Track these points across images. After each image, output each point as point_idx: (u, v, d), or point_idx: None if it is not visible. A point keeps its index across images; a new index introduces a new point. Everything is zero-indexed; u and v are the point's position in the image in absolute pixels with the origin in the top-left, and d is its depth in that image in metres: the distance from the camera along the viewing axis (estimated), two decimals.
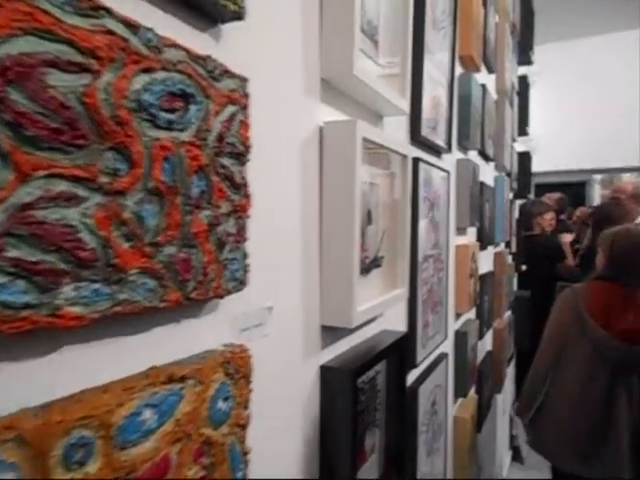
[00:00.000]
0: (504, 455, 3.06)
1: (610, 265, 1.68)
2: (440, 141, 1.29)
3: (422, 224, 1.13)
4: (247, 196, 0.49)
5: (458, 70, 1.59)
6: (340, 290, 0.69)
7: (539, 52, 4.46)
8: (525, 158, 3.31)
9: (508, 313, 2.83)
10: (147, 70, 0.37)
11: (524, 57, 3.26)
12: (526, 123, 3.33)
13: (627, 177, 5.07)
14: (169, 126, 0.39)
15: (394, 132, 1.02)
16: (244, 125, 0.48)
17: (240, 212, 0.48)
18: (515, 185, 3.07)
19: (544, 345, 1.78)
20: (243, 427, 0.49)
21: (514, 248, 3.02)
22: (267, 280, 0.59)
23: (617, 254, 1.65)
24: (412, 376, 1.14)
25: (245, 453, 0.50)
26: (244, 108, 0.49)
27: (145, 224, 0.37)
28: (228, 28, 0.51)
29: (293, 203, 0.64)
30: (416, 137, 1.11)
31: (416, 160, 1.09)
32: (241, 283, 0.49)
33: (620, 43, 5.15)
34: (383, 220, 0.90)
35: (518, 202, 3.55)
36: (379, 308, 0.81)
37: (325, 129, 0.70)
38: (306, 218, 0.67)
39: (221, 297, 0.47)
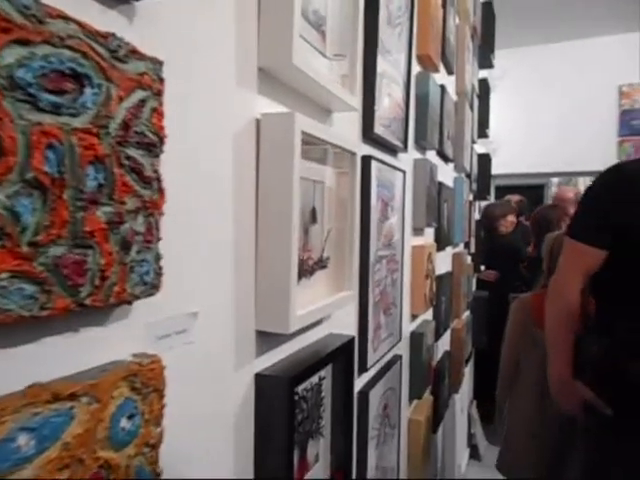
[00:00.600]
0: (463, 453, 3.10)
1: (551, 272, 1.49)
2: (395, 140, 1.27)
3: (374, 224, 1.10)
4: (160, 191, 0.44)
5: (416, 69, 1.58)
6: (276, 293, 0.65)
7: (501, 57, 4.54)
8: (485, 160, 3.35)
9: (467, 313, 2.86)
10: (22, 42, 0.32)
11: (485, 60, 3.30)
12: (486, 125, 3.37)
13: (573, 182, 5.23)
14: (56, 110, 0.34)
15: (345, 129, 0.98)
16: (157, 113, 0.44)
17: (151, 209, 0.43)
18: (475, 186, 3.10)
19: (503, 355, 1.79)
20: (153, 446, 0.44)
21: (473, 249, 3.05)
22: (191, 283, 0.54)
23: (557, 259, 1.42)
24: (363, 380, 1.12)
25: (157, 474, 0.45)
26: (158, 94, 0.44)
27: (21, 221, 0.32)
28: (145, 5, 0.46)
29: (224, 200, 0.59)
30: (369, 135, 1.08)
31: (368, 158, 1.06)
32: (153, 287, 0.44)
33: (575, 52, 5.30)
34: (330, 219, 0.86)
35: (478, 203, 3.60)
36: (323, 311, 0.78)
37: (262, 122, 0.65)
38: (240, 216, 0.63)
39: (128, 303, 0.42)
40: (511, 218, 3.47)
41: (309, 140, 0.74)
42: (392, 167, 1.24)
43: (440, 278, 1.97)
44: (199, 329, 0.55)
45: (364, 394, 1.09)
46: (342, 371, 0.89)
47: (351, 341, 0.90)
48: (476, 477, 2.97)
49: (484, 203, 3.77)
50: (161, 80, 0.44)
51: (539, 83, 5.45)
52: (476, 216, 3.36)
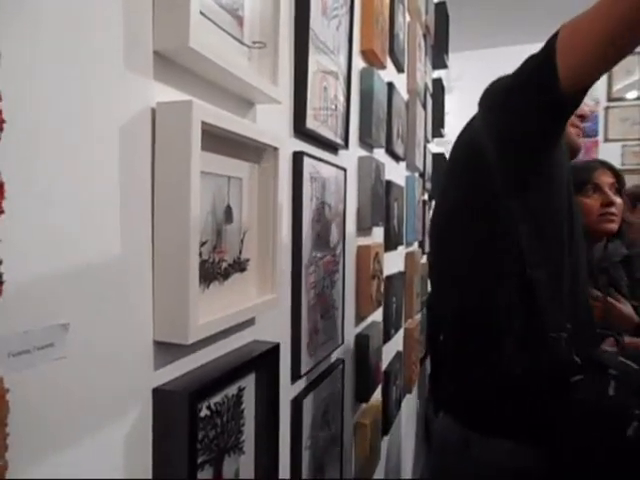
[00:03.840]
0: (420, 452, 3.10)
1: None
2: (334, 136, 1.22)
3: (307, 224, 1.05)
4: None
5: (360, 65, 1.54)
6: (174, 300, 0.59)
7: (458, 59, 4.59)
8: (440, 159, 3.36)
9: (422, 312, 2.85)
10: None
11: (439, 61, 3.31)
12: (441, 125, 3.38)
13: None
14: None
15: (273, 123, 0.93)
16: None
17: None
18: (429, 185, 3.11)
19: None
20: None
21: (427, 248, 3.05)
22: (59, 291, 0.47)
23: None
24: (297, 388, 1.06)
25: None
26: None
27: None
28: None
29: (107, 198, 0.53)
30: (300, 129, 1.03)
31: (300, 154, 1.01)
32: None
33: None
34: (251, 219, 0.81)
35: (434, 202, 3.61)
36: (236, 318, 0.72)
37: (158, 111, 0.59)
38: (130, 216, 0.56)
39: None
40: None
41: (221, 133, 0.68)
42: (330, 164, 1.20)
43: (390, 278, 1.95)
44: (73, 342, 0.49)
45: (298, 402, 1.04)
46: (266, 380, 0.83)
47: (275, 348, 0.84)
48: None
49: None
50: None
51: None
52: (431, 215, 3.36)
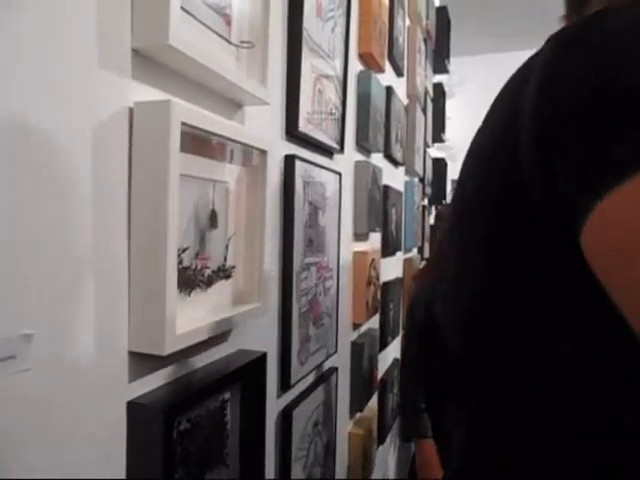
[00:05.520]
0: None
1: None
2: (328, 139, 1.20)
3: (299, 229, 1.03)
4: None
5: (357, 68, 1.52)
6: (150, 309, 0.56)
7: (460, 64, 4.57)
8: (440, 164, 3.34)
9: None
10: None
11: (440, 65, 3.29)
12: (442, 130, 3.36)
13: None
14: None
15: (263, 125, 0.90)
16: None
17: None
18: (429, 190, 3.08)
19: None
20: None
21: (427, 254, 3.03)
22: (23, 299, 0.45)
23: None
24: (287, 398, 1.03)
25: None
26: None
27: None
28: None
29: (79, 201, 0.50)
30: (292, 132, 1.00)
31: (291, 158, 0.99)
32: None
33: None
34: (238, 224, 0.78)
35: (434, 208, 3.59)
36: (220, 327, 0.69)
37: (136, 111, 0.57)
38: (105, 220, 0.54)
39: None
40: None
41: (204, 135, 0.66)
42: (324, 168, 1.17)
43: (387, 285, 1.92)
44: (39, 353, 0.46)
45: (287, 413, 1.01)
46: (252, 391, 0.80)
47: (262, 357, 0.81)
48: None
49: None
50: None
51: (498, 89, 5.52)
52: (431, 220, 3.34)
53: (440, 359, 1.15)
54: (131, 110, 0.56)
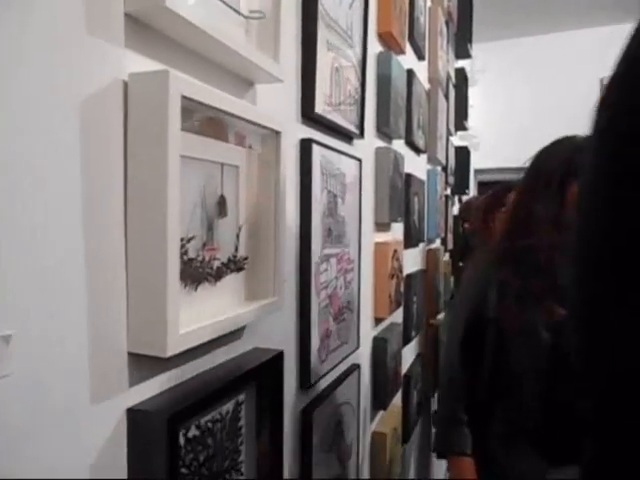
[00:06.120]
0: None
1: None
2: (347, 123, 1.12)
3: (317, 218, 0.96)
4: None
5: (377, 48, 1.44)
6: (151, 306, 0.50)
7: (482, 50, 4.42)
8: (463, 153, 3.23)
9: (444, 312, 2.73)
10: None
11: (462, 50, 3.17)
12: (464, 117, 3.25)
13: None
14: None
15: (278, 106, 0.84)
16: None
17: None
18: (452, 180, 2.98)
19: None
20: None
21: (451, 245, 2.93)
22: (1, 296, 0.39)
23: None
24: (307, 397, 0.97)
25: None
26: None
27: None
28: None
29: (68, 186, 0.45)
30: (308, 114, 0.93)
31: (308, 141, 0.92)
32: None
33: (556, 45, 5.19)
34: (250, 212, 0.72)
35: (457, 198, 3.48)
36: (230, 325, 0.63)
37: (131, 84, 0.50)
38: (97, 207, 0.48)
39: None
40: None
41: (211, 113, 0.59)
42: (344, 154, 1.10)
43: (410, 277, 1.84)
44: (22, 357, 0.40)
45: (307, 413, 0.94)
46: (268, 392, 0.74)
47: (279, 356, 0.75)
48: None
49: (464, 198, 3.64)
50: None
51: (522, 76, 5.33)
52: (455, 211, 3.23)
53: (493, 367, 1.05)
54: (125, 83, 0.50)
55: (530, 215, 1.02)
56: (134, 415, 0.51)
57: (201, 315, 0.59)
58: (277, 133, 0.73)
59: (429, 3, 2.20)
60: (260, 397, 0.74)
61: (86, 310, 0.47)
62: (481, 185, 5.47)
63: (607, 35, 5.02)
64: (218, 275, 0.64)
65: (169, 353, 0.50)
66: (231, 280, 0.67)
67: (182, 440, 0.57)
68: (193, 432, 0.59)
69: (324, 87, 0.98)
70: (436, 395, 1.33)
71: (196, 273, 0.60)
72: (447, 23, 2.59)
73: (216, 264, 0.64)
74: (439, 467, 2.72)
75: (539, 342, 0.95)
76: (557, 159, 1.05)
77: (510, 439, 0.99)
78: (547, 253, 0.96)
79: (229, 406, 0.67)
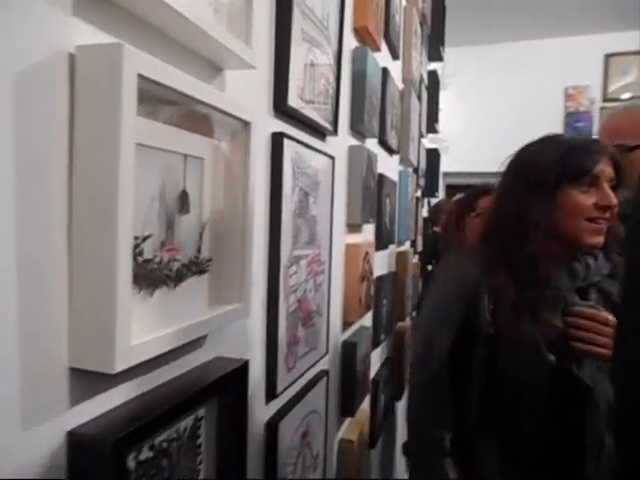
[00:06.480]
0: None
1: None
2: (321, 119, 1.07)
3: (288, 217, 0.90)
4: None
5: (353, 44, 1.39)
6: (96, 315, 0.43)
7: (453, 54, 4.44)
8: (434, 155, 3.23)
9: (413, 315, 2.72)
10: None
11: (435, 53, 3.17)
12: (435, 120, 3.25)
13: None
14: None
15: (248, 96, 0.78)
16: None
17: None
18: (422, 182, 2.97)
19: None
20: None
21: (420, 247, 2.92)
22: None
23: None
24: (272, 408, 0.91)
25: None
26: None
27: None
28: None
29: None
30: (281, 107, 0.87)
31: (279, 135, 0.86)
32: None
33: (525, 52, 5.29)
34: (214, 209, 0.66)
35: (427, 200, 3.48)
36: (191, 333, 0.57)
37: (79, 58, 0.44)
38: (35, 200, 0.41)
39: None
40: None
41: (173, 97, 0.53)
42: (316, 151, 1.05)
43: (380, 279, 1.80)
44: None
45: (273, 426, 0.89)
46: (231, 406, 0.68)
47: (243, 366, 0.69)
48: None
49: (433, 200, 3.65)
50: None
51: (491, 82, 5.41)
52: (424, 213, 3.23)
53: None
54: (72, 56, 0.44)
55: (520, 218, 0.95)
56: (75, 439, 0.45)
57: (158, 323, 0.53)
58: (247, 124, 0.67)
59: (404, 2, 2.18)
60: (222, 411, 0.68)
61: (16, 319, 0.40)
62: (449, 188, 5.52)
63: (573, 45, 5.17)
64: (178, 278, 0.58)
65: (118, 368, 0.43)
66: (193, 284, 0.61)
67: (132, 464, 0.51)
68: (145, 454, 0.53)
69: (297, 80, 0.92)
70: (405, 416, 1.03)
71: (152, 276, 0.53)
72: (421, 24, 2.58)
73: (176, 266, 0.57)
74: (401, 466, 2.71)
75: (539, 359, 0.90)
76: (549, 159, 0.96)
77: (506, 470, 0.93)
78: (545, 263, 0.92)
79: (187, 422, 0.61)
